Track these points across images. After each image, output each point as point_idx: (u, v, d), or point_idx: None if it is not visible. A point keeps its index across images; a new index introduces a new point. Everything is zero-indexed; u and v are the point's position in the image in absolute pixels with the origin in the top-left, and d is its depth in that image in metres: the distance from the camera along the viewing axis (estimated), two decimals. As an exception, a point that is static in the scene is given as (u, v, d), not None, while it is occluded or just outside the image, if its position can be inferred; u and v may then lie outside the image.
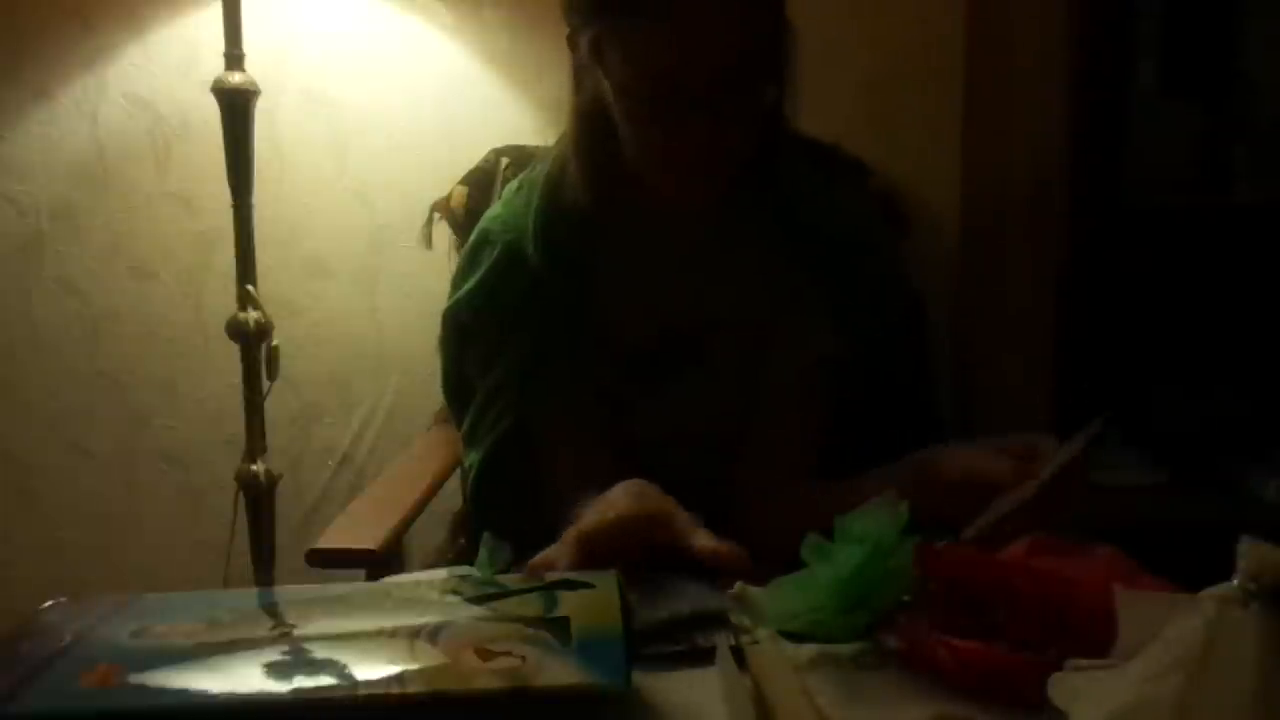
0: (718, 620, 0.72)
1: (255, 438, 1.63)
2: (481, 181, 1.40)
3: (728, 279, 1.08)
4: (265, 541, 1.64)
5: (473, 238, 1.11)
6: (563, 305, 1.05)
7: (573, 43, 0.98)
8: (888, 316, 1.10)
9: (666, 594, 0.76)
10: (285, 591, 0.75)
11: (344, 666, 0.58)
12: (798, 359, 1.06)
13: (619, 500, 0.82)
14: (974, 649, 0.63)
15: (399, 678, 0.57)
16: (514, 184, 1.13)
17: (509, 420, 1.06)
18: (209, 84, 1.54)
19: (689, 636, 0.71)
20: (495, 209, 1.12)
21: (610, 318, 1.07)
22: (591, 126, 1.00)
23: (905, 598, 0.70)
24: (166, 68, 1.72)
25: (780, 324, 1.08)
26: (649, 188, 1.00)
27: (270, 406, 1.65)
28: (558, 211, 1.04)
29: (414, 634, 0.61)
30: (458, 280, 1.11)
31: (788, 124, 1.02)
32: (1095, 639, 0.60)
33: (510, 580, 0.71)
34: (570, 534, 0.80)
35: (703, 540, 0.79)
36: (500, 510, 1.07)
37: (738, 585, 0.78)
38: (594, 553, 0.78)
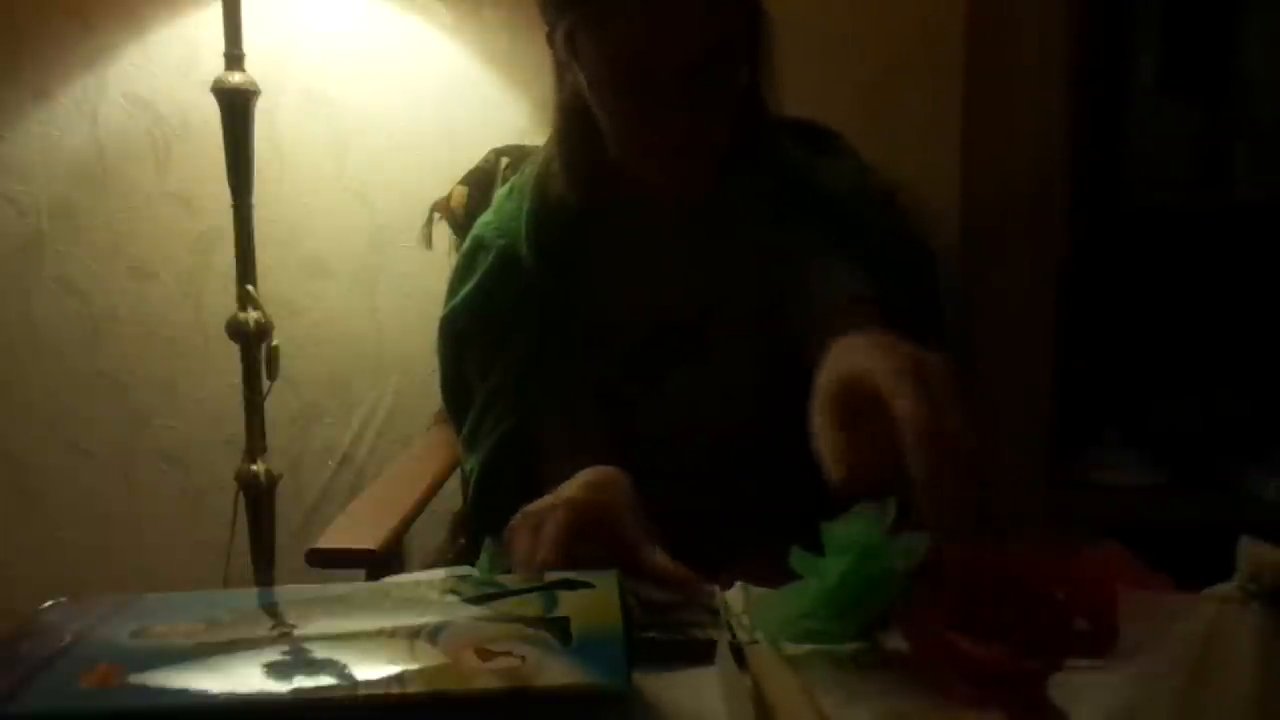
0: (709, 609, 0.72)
1: (255, 438, 1.63)
2: (481, 181, 1.40)
3: (721, 267, 1.08)
4: (265, 541, 1.64)
5: (466, 244, 1.11)
6: (558, 306, 1.05)
7: (551, 40, 0.98)
8: (901, 265, 1.08)
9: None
10: (285, 591, 0.75)
11: (344, 666, 0.58)
12: (834, 297, 0.98)
13: (572, 486, 0.81)
14: (977, 651, 0.63)
15: (399, 678, 0.56)
16: (504, 189, 1.13)
17: (508, 424, 1.06)
18: (209, 84, 1.54)
19: (685, 628, 0.71)
20: (487, 215, 1.12)
21: (607, 316, 1.07)
22: (574, 123, 1.01)
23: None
24: (166, 68, 1.72)
25: (798, 282, 1.02)
26: (634, 179, 1.00)
27: (270, 406, 1.65)
28: (547, 211, 1.04)
29: (414, 634, 0.61)
30: (454, 286, 1.11)
31: (766, 106, 1.02)
32: (1096, 639, 0.60)
33: (510, 580, 0.71)
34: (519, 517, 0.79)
35: (660, 559, 0.76)
36: (500, 514, 1.06)
37: (738, 585, 0.78)
38: (540, 528, 0.77)
